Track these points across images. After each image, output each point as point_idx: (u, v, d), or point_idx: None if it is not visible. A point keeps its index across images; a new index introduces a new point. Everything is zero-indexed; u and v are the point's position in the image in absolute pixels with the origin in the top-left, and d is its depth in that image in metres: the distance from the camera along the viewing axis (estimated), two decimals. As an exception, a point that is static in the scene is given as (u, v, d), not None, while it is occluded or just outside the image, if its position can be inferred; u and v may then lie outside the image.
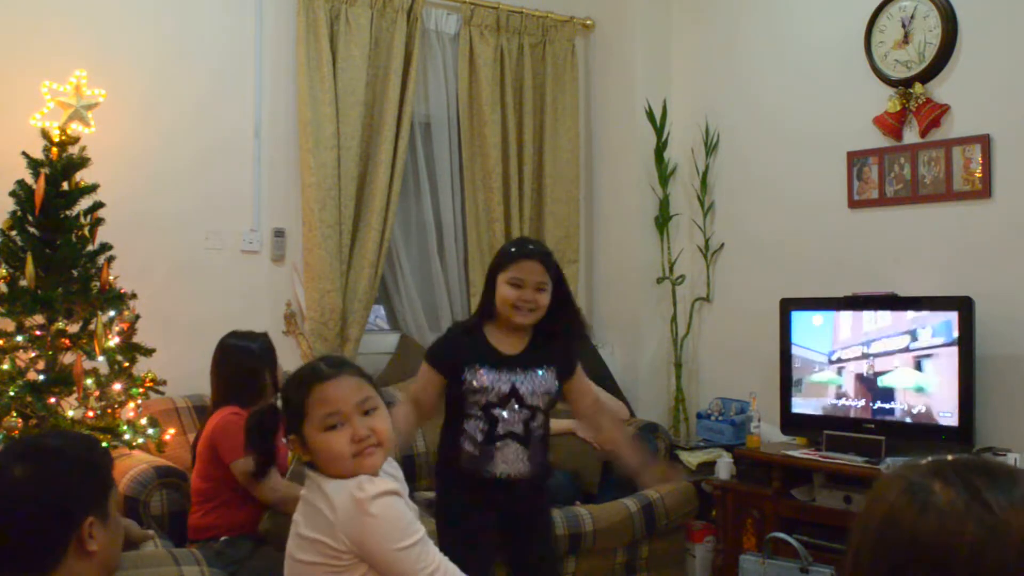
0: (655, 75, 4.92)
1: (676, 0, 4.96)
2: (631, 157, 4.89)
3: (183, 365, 3.66)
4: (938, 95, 3.87)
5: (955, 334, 3.52)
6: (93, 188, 3.37)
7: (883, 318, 3.76)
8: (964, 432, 3.49)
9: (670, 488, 4.07)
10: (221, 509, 3.09)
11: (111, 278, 3.35)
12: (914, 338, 3.67)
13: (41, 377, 3.18)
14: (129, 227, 3.65)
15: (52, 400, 3.15)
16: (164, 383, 3.45)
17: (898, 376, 3.71)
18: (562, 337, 2.81)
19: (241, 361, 3.24)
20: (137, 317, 3.43)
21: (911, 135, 3.95)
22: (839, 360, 3.90)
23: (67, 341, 3.24)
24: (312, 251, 4.17)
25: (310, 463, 1.80)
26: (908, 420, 3.66)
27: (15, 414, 3.09)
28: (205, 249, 4.06)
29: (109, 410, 3.30)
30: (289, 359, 4.14)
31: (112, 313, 3.33)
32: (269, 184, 4.22)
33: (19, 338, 3.18)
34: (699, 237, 4.78)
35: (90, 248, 3.33)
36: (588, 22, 5.05)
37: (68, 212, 3.30)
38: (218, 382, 3.28)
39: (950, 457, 0.94)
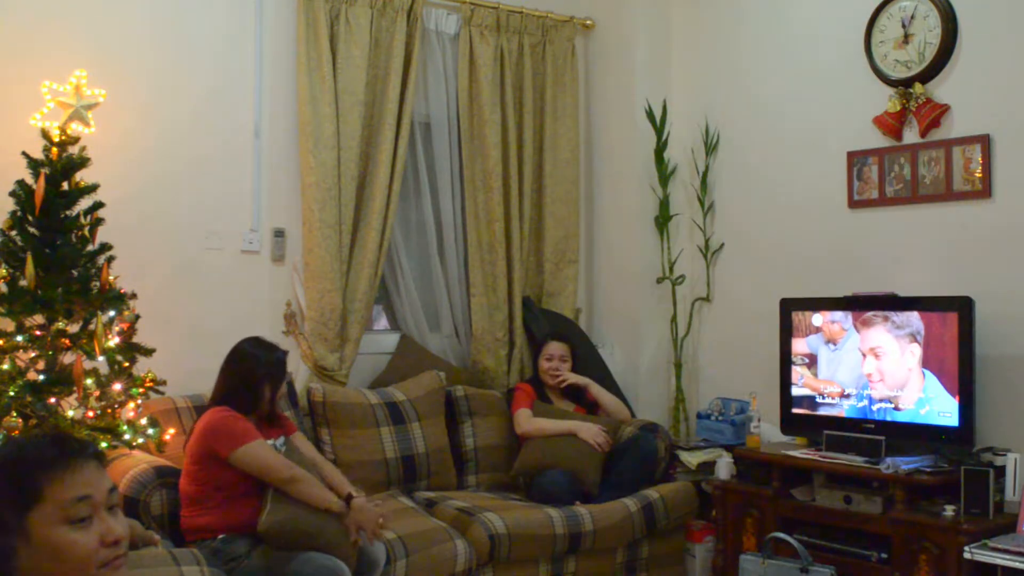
0: (655, 75, 4.92)
1: (676, 0, 4.96)
2: (631, 157, 4.89)
3: (183, 365, 3.66)
4: (938, 95, 3.87)
5: (955, 334, 3.52)
6: (93, 188, 3.37)
7: (883, 318, 3.76)
8: (964, 432, 3.49)
9: (670, 488, 4.08)
10: (214, 511, 3.08)
11: (111, 278, 3.35)
12: (914, 338, 3.67)
13: (41, 377, 3.18)
14: (129, 227, 3.65)
15: (52, 400, 3.15)
16: (164, 383, 3.46)
17: (898, 376, 3.71)
18: None
19: (245, 368, 3.25)
20: (137, 317, 3.44)
21: (911, 135, 3.95)
22: (838, 360, 3.90)
23: (67, 341, 3.24)
24: (312, 251, 4.17)
25: None
26: (908, 420, 3.66)
27: (15, 414, 3.09)
28: (205, 249, 4.06)
29: (109, 410, 3.30)
30: (289, 359, 4.13)
31: (112, 313, 3.33)
32: (269, 184, 4.22)
33: (19, 338, 3.19)
34: (699, 237, 4.78)
35: (90, 248, 3.33)
36: (588, 22, 5.05)
37: (68, 212, 3.30)
38: (219, 382, 3.28)
39: None
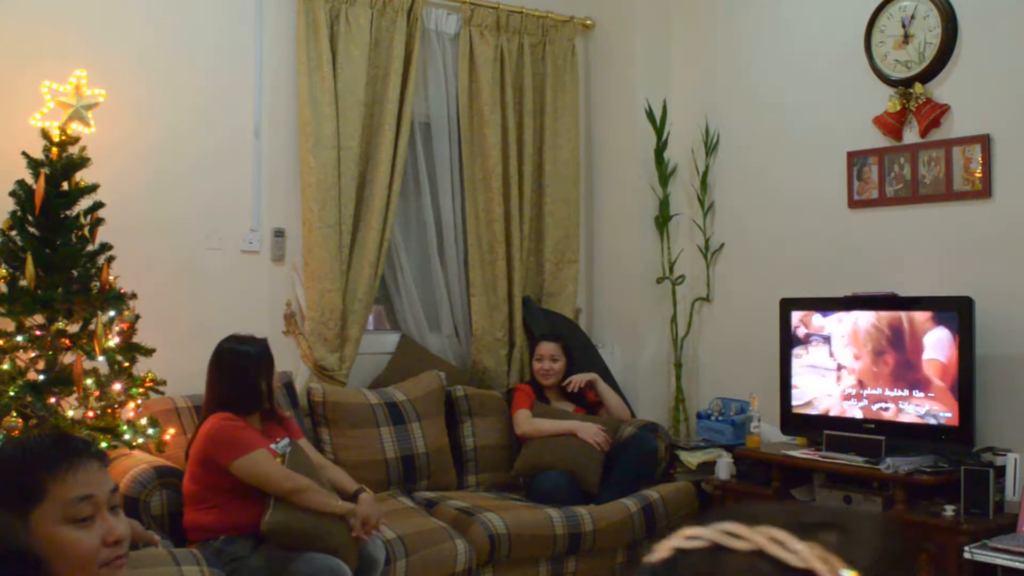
0: (655, 75, 4.92)
1: (676, 0, 4.96)
2: (631, 157, 4.89)
3: (183, 365, 3.66)
4: (938, 95, 3.87)
5: (955, 334, 3.52)
6: (93, 188, 3.37)
7: (883, 318, 3.76)
8: (964, 432, 3.49)
9: (670, 488, 4.08)
10: (216, 510, 3.08)
11: (111, 278, 3.35)
12: (914, 338, 3.67)
13: (41, 377, 3.17)
14: (129, 227, 3.65)
15: (52, 400, 3.15)
16: (164, 383, 3.45)
17: (898, 376, 3.71)
18: None
19: (237, 366, 3.23)
20: (137, 317, 3.43)
21: (911, 135, 3.95)
22: (839, 360, 3.90)
23: (67, 341, 3.24)
24: (312, 251, 4.16)
25: None
26: (908, 420, 3.66)
27: (15, 414, 3.09)
28: (205, 249, 4.06)
29: (109, 410, 3.30)
30: (289, 359, 4.14)
31: (112, 313, 3.33)
32: (269, 184, 4.22)
33: (19, 338, 3.18)
34: (699, 237, 4.78)
35: (90, 248, 3.33)
36: (588, 22, 5.05)
37: (68, 212, 3.30)
38: (212, 386, 3.25)
39: None
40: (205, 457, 3.08)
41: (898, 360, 3.71)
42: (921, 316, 3.62)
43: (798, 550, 0.59)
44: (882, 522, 0.65)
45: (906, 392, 3.67)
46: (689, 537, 0.63)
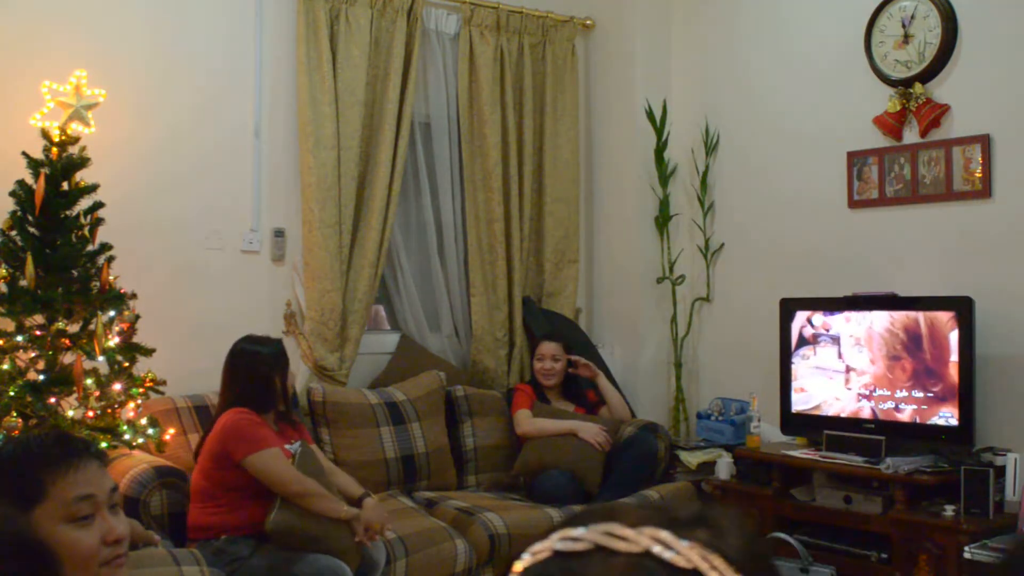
0: (655, 75, 4.92)
1: (676, 0, 4.96)
2: (631, 157, 4.89)
3: (183, 365, 3.66)
4: (938, 95, 3.87)
5: (955, 334, 3.52)
6: (93, 188, 3.37)
7: (883, 318, 3.76)
8: (964, 432, 3.49)
9: (670, 489, 4.08)
10: (222, 509, 3.09)
11: (111, 278, 3.35)
12: (914, 338, 3.67)
13: (41, 377, 3.17)
14: (129, 227, 3.65)
15: (52, 400, 3.15)
16: (164, 383, 3.45)
17: (897, 375, 3.71)
18: None
19: (252, 366, 3.23)
20: (137, 317, 3.43)
21: (911, 135, 3.95)
22: (848, 362, 3.90)
23: (67, 341, 3.24)
24: (312, 251, 4.16)
25: None
26: (908, 420, 3.66)
27: (15, 414, 3.09)
28: (205, 249, 4.06)
29: (109, 410, 3.30)
30: (289, 359, 4.13)
31: (112, 313, 3.33)
32: (269, 184, 4.22)
33: (19, 338, 3.18)
34: (699, 237, 4.78)
35: (90, 248, 3.33)
36: (588, 22, 5.05)
37: (68, 212, 3.30)
38: (228, 386, 3.26)
39: None
40: (219, 451, 3.08)
41: (915, 362, 3.70)
42: (944, 316, 3.59)
43: (683, 550, 0.59)
44: (740, 516, 0.65)
45: (906, 392, 3.67)
46: (566, 539, 0.61)
